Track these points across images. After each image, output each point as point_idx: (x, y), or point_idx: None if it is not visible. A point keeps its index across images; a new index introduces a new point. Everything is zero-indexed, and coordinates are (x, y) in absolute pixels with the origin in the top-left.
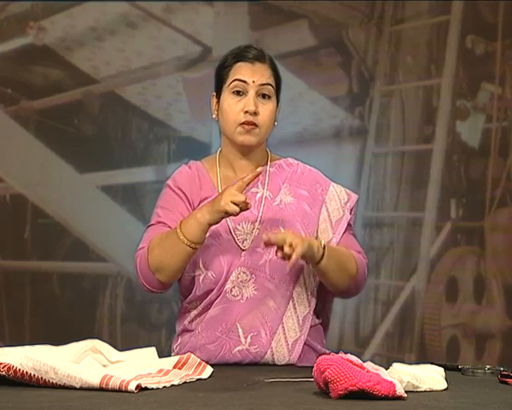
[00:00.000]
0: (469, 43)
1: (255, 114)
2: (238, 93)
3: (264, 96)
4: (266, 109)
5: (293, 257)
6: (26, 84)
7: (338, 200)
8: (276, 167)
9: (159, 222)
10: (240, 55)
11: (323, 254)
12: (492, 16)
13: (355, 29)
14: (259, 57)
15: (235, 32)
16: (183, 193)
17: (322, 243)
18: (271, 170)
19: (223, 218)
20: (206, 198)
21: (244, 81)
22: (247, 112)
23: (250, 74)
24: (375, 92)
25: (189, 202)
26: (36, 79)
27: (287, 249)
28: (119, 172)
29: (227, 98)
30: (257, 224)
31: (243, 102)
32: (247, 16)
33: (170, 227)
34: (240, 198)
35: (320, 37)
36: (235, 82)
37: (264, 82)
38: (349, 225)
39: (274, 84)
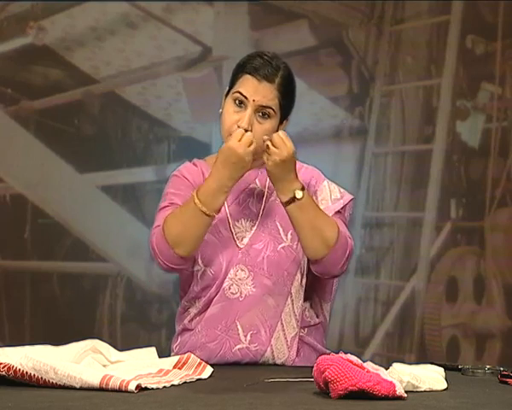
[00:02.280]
0: (469, 43)
1: (246, 131)
2: (239, 104)
3: (263, 114)
4: (262, 128)
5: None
6: (26, 84)
7: (328, 193)
8: None
9: (171, 203)
10: (252, 66)
11: (294, 197)
12: (492, 16)
13: (355, 29)
14: (269, 77)
15: (235, 32)
16: (190, 182)
17: (303, 192)
18: None
19: None
20: None
21: (245, 97)
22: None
23: (252, 92)
24: (375, 92)
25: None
26: (36, 79)
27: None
28: (119, 172)
29: (227, 104)
30: (255, 220)
31: (240, 114)
32: (247, 16)
33: None
34: (247, 138)
35: (320, 37)
36: (237, 94)
37: (263, 104)
38: (339, 212)
39: (277, 106)
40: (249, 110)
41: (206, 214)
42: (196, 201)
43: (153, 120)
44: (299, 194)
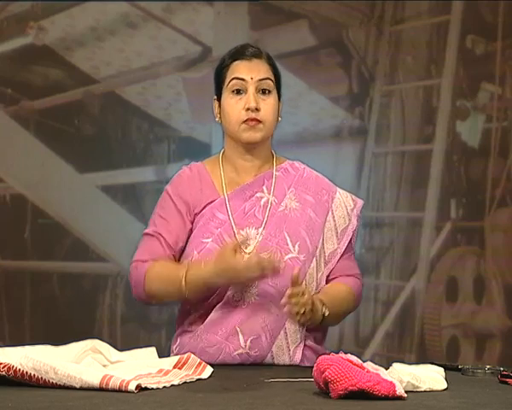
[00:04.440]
0: (469, 43)
1: (257, 110)
2: (238, 92)
3: (264, 91)
4: (268, 104)
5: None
6: (26, 84)
7: (344, 207)
8: (282, 172)
9: (156, 233)
10: (236, 53)
11: (324, 312)
12: (492, 16)
13: (355, 29)
14: (256, 54)
15: (235, 32)
16: (183, 201)
17: (324, 309)
18: (277, 174)
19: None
20: (209, 203)
21: (242, 79)
22: (248, 109)
23: (248, 71)
24: (375, 92)
25: (189, 210)
26: (36, 79)
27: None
28: (119, 172)
29: (227, 98)
30: (261, 229)
31: (244, 100)
32: (247, 16)
33: (166, 242)
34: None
35: (320, 37)
36: (234, 81)
37: (262, 77)
38: (350, 242)
39: (272, 77)
40: (251, 89)
41: (186, 296)
42: (182, 283)
43: (153, 120)
44: (326, 313)
